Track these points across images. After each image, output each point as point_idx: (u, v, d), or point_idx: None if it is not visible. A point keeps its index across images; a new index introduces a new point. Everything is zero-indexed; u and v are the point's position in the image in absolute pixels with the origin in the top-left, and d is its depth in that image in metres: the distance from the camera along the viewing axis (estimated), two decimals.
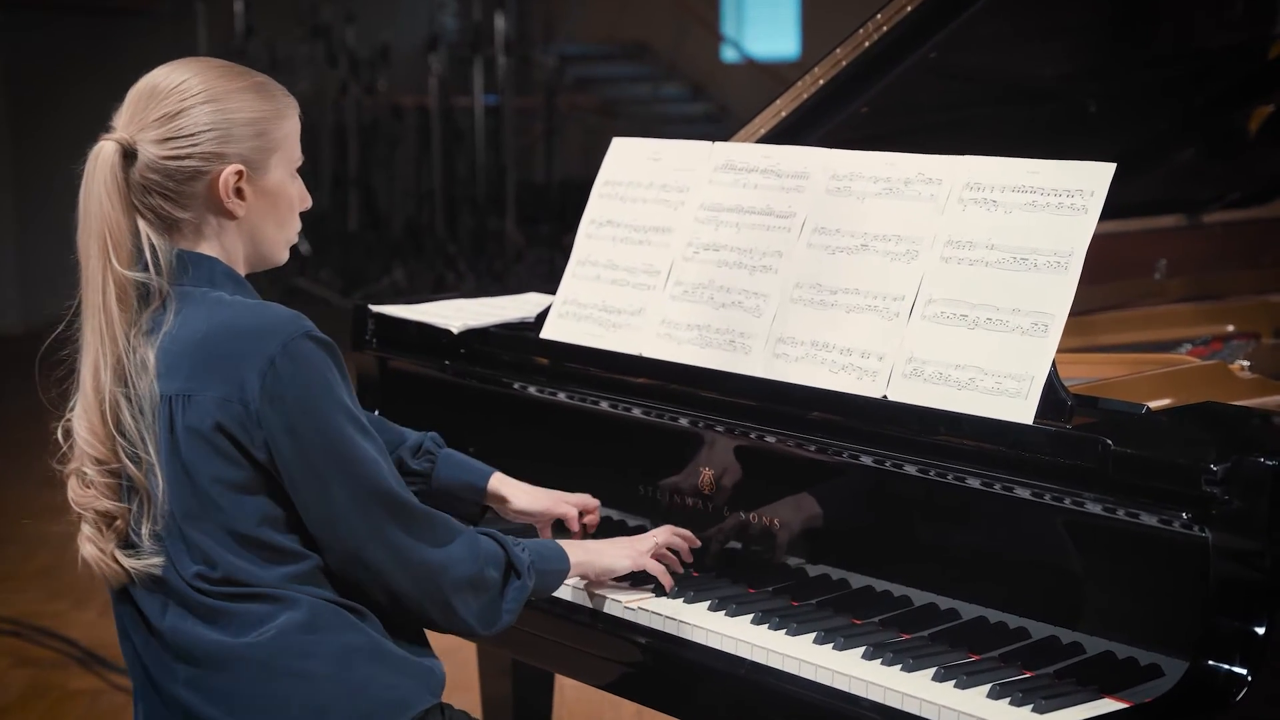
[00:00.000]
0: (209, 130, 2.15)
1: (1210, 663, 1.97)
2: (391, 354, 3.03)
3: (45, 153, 8.89)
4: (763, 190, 2.65)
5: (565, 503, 2.61)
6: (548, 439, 2.84)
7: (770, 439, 2.48)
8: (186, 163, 2.15)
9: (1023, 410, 2.24)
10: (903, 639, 2.30)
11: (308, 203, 2.29)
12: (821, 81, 2.94)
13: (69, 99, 8.84)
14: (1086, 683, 2.12)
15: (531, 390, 2.80)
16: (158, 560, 2.12)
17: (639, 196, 2.81)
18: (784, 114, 2.99)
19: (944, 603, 2.34)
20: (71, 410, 2.17)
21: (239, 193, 2.18)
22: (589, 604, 2.49)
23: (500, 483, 2.61)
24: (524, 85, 11.16)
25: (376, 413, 3.05)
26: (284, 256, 2.29)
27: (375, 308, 3.05)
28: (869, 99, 3.00)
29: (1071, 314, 3.19)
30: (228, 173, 2.17)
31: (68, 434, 2.17)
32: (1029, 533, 2.23)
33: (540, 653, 2.65)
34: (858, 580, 2.43)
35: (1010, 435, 2.22)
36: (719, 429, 2.54)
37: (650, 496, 2.65)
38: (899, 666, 2.20)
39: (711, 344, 2.62)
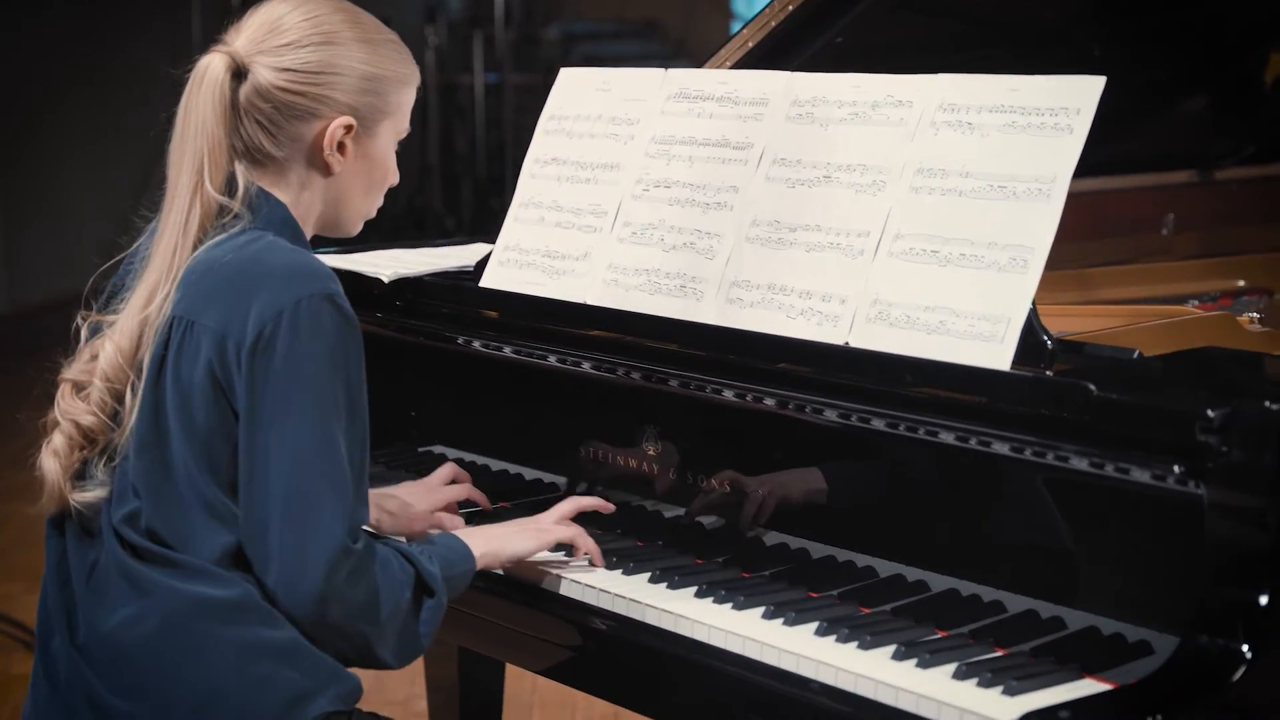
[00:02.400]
0: (334, 74, 2.03)
1: (1205, 637, 1.72)
2: None
3: (30, 131, 8.66)
4: (718, 120, 2.40)
5: (437, 509, 2.36)
6: (487, 396, 2.59)
7: (723, 393, 2.22)
8: (300, 100, 2.02)
9: (999, 355, 1.99)
10: (862, 614, 2.05)
11: (396, 178, 2.15)
12: (791, 8, 2.68)
13: (54, 77, 8.62)
14: (1066, 661, 1.86)
15: (472, 344, 2.55)
16: (101, 493, 1.96)
17: (586, 131, 2.56)
18: (751, 45, 2.73)
19: (912, 574, 2.09)
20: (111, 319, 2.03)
21: (341, 148, 2.05)
22: (514, 576, 2.24)
23: (378, 508, 2.33)
24: (527, 62, 10.90)
25: None
26: (358, 228, 2.16)
27: None
28: (844, 29, 2.74)
29: (1070, 268, 2.99)
30: (337, 124, 2.04)
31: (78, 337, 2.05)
32: (1006, 493, 1.98)
33: (466, 633, 2.40)
34: (819, 550, 2.18)
35: (984, 383, 1.96)
36: (668, 383, 2.29)
37: (594, 458, 2.40)
38: (854, 644, 1.95)
39: (661, 290, 2.37)
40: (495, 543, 2.17)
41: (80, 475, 2.00)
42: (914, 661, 1.89)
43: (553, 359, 2.43)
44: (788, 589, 2.14)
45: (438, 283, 2.63)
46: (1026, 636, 1.93)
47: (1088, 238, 3.34)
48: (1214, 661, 1.70)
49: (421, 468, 2.59)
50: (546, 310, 2.46)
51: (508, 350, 2.50)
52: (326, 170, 2.06)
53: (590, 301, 2.43)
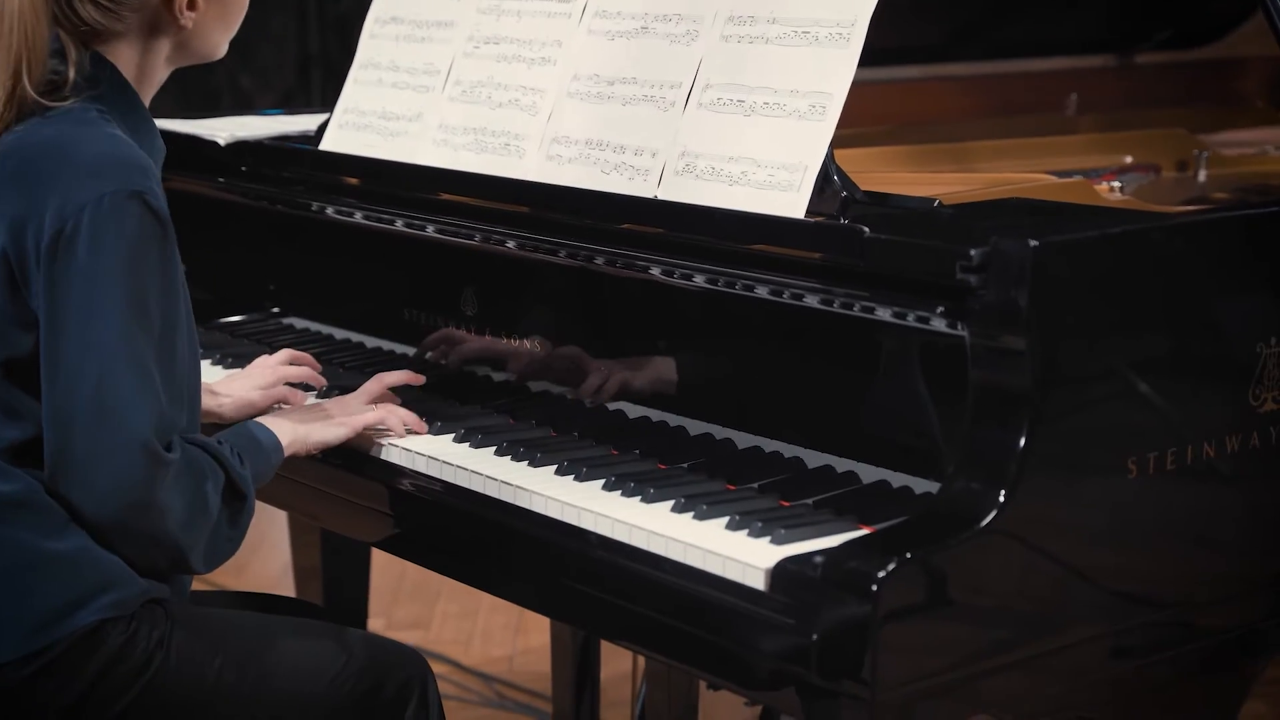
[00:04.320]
0: None
1: (962, 481, 1.67)
2: (166, 172, 2.71)
3: None
4: None
5: (270, 387, 2.25)
6: (327, 261, 2.55)
7: (539, 249, 2.17)
8: None
9: (794, 203, 1.93)
10: (658, 470, 2.00)
11: None
12: None
13: None
14: (845, 513, 1.82)
15: (311, 207, 2.50)
16: None
17: None
18: None
19: (720, 433, 2.05)
20: None
21: (192, 4, 1.93)
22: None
23: (209, 394, 2.22)
24: None
25: None
26: (223, 52, 2.03)
27: None
28: None
29: (948, 140, 2.93)
30: None
31: None
32: (798, 345, 1.94)
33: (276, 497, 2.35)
34: (635, 412, 2.14)
35: (766, 230, 1.91)
36: (488, 240, 2.24)
37: (414, 321, 2.36)
38: (638, 498, 1.90)
39: (487, 149, 2.31)
40: (302, 429, 2.09)
41: None
42: (691, 514, 1.85)
43: (382, 221, 2.38)
44: (593, 447, 2.09)
45: (275, 146, 2.58)
46: (814, 491, 1.88)
47: (985, 115, 3.28)
48: (968, 506, 1.65)
49: (275, 340, 2.55)
50: (374, 171, 2.41)
51: (335, 213, 2.45)
52: (178, 30, 1.95)
53: (420, 162, 2.38)
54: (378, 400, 2.18)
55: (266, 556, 4.22)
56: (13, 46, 1.85)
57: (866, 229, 1.78)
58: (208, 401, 2.22)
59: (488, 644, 3.82)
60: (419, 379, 2.23)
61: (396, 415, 2.15)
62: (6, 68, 1.85)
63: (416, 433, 2.15)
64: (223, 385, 2.28)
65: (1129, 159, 3.11)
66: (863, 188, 1.95)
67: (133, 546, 1.85)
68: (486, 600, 3.98)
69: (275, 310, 2.68)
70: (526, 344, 2.23)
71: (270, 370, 2.29)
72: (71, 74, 1.88)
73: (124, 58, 1.95)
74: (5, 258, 1.82)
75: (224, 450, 1.93)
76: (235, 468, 1.92)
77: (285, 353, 2.33)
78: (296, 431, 2.08)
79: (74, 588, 1.84)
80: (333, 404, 2.16)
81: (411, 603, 4.01)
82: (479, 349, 2.29)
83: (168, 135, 2.64)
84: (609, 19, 2.22)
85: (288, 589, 4.00)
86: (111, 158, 1.84)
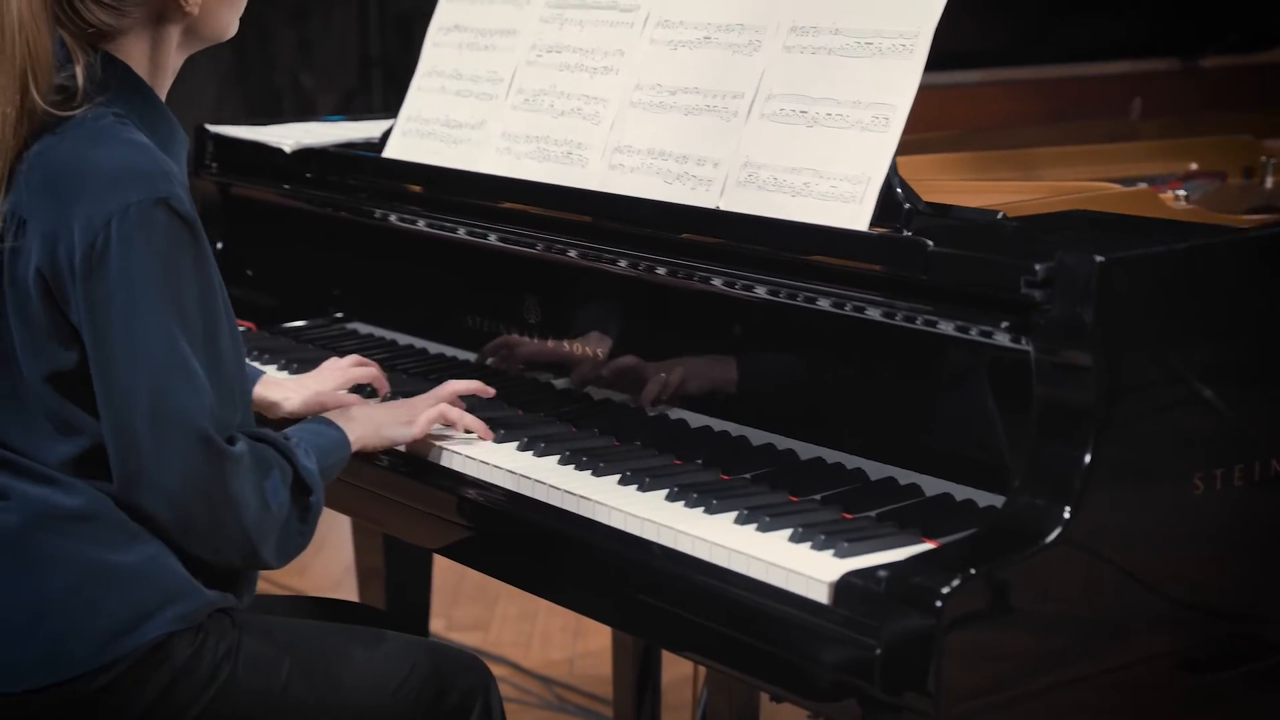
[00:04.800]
0: None
1: (1027, 497, 1.67)
2: (232, 179, 2.76)
3: None
4: None
5: (338, 389, 2.27)
6: (390, 267, 2.56)
7: (601, 259, 2.18)
8: None
9: (857, 215, 1.93)
10: (721, 480, 2.00)
11: None
12: None
13: None
14: (909, 526, 1.81)
15: (375, 214, 2.52)
16: None
17: None
18: None
19: (782, 443, 2.05)
20: None
21: None
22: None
23: (267, 387, 2.27)
24: None
25: (220, 245, 2.79)
26: (233, 31, 1.99)
27: (213, 128, 2.76)
28: None
29: (1009, 146, 2.91)
30: None
31: None
32: (867, 358, 1.94)
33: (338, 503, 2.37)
34: (697, 421, 2.14)
35: (833, 242, 1.91)
36: (550, 249, 2.24)
37: (477, 328, 2.37)
38: (701, 509, 1.91)
39: (549, 157, 2.32)
40: (370, 426, 2.11)
41: None
42: (754, 526, 1.85)
43: (444, 229, 2.39)
44: (656, 456, 2.10)
45: (339, 153, 2.60)
46: (877, 503, 1.88)
47: (1046, 120, 3.26)
48: (1033, 522, 1.64)
49: (338, 345, 2.57)
50: (436, 179, 2.42)
51: (399, 220, 2.46)
52: (185, 16, 1.91)
53: (483, 170, 2.39)
54: (446, 401, 2.18)
55: (328, 558, 4.25)
56: (16, 58, 1.81)
57: (930, 242, 1.78)
58: (274, 395, 2.25)
59: (547, 646, 3.83)
60: (489, 391, 2.23)
61: (465, 416, 2.16)
62: (13, 80, 1.81)
63: (481, 438, 2.16)
64: (292, 382, 2.30)
65: (1194, 165, 3.09)
66: (923, 196, 1.95)
67: (207, 545, 1.86)
68: (545, 603, 3.95)
69: (339, 316, 2.70)
70: (588, 352, 2.24)
71: (340, 372, 2.31)
72: (81, 80, 1.84)
73: (134, 54, 1.91)
74: (40, 275, 1.81)
75: (290, 445, 1.94)
76: (302, 462, 1.93)
77: (354, 357, 2.35)
78: (364, 428, 2.09)
79: (141, 601, 1.85)
80: (400, 404, 2.17)
81: (471, 604, 4.03)
82: (540, 356, 2.30)
83: (234, 143, 2.70)
84: (671, 28, 2.23)
85: (350, 590, 4.04)
86: (131, 167, 1.81)
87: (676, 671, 2.84)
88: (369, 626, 2.13)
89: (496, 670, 2.15)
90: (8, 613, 1.84)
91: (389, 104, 10.27)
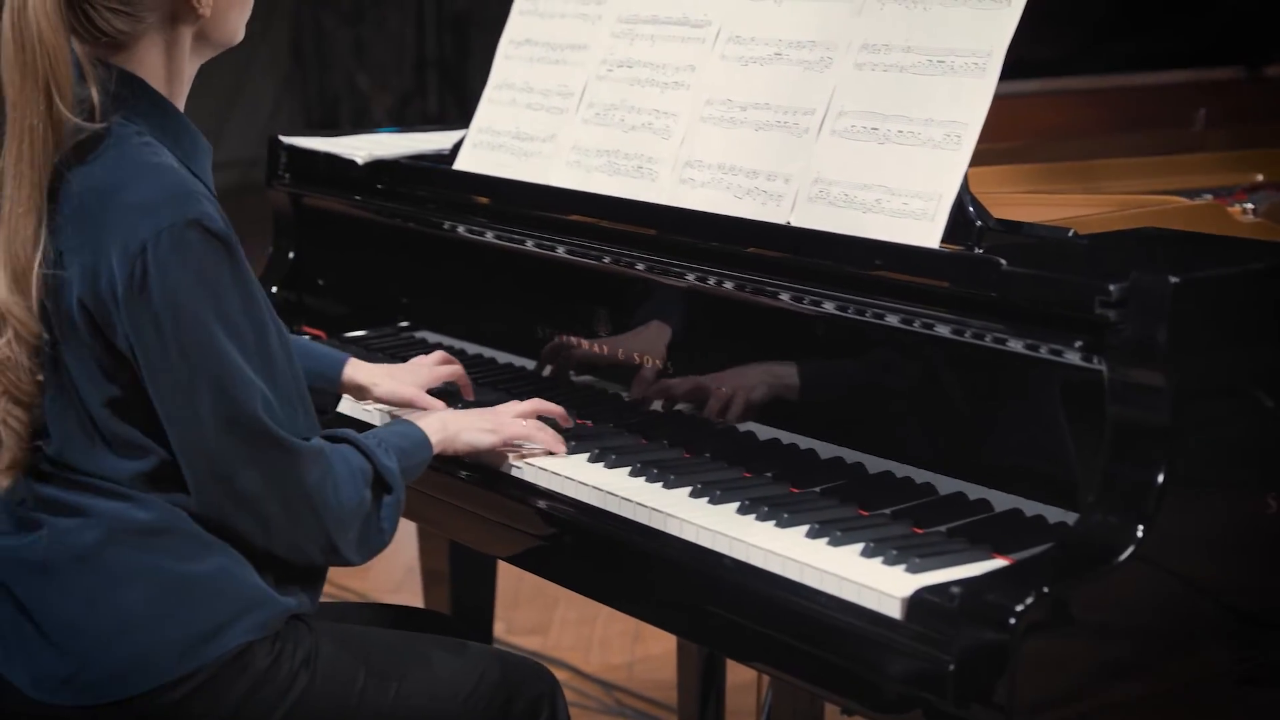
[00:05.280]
0: None
1: (1100, 515, 1.68)
2: (305, 189, 2.79)
3: None
4: None
5: (425, 386, 2.33)
6: (460, 278, 2.59)
7: (669, 272, 2.20)
8: None
9: (928, 233, 1.95)
10: (791, 494, 2.03)
11: None
12: None
13: None
14: (979, 541, 1.83)
15: (444, 226, 2.55)
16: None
17: (558, 11, 2.53)
18: None
19: (851, 456, 2.07)
20: None
21: None
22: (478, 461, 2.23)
23: (356, 370, 2.33)
24: None
25: (291, 255, 2.83)
26: (242, 35, 2.00)
27: (287, 139, 2.80)
28: None
29: (1072, 156, 2.92)
30: None
31: None
32: (936, 374, 1.95)
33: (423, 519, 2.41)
34: (766, 434, 2.16)
35: (905, 260, 1.93)
36: (621, 263, 2.27)
37: (547, 339, 2.40)
38: (772, 522, 1.93)
39: (620, 171, 2.35)
40: (452, 429, 2.14)
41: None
42: (826, 540, 1.87)
43: (514, 241, 2.42)
44: (726, 469, 2.12)
45: (411, 165, 2.63)
46: (948, 518, 1.90)
47: (1107, 133, 3.26)
48: (1106, 540, 1.66)
49: (407, 353, 2.60)
50: (509, 192, 2.45)
51: (467, 231, 2.49)
52: (197, 19, 1.91)
53: (553, 183, 2.42)
54: (528, 417, 2.21)
55: (390, 559, 4.27)
56: (39, 69, 1.81)
57: (1004, 261, 1.79)
58: (363, 378, 2.32)
59: (606, 651, 3.86)
60: (569, 421, 2.25)
61: (546, 432, 2.18)
62: (38, 91, 1.82)
63: (554, 453, 2.19)
64: (381, 370, 2.35)
65: (1260, 176, 3.09)
66: (988, 208, 1.96)
67: (288, 543, 1.90)
68: (605, 607, 4.01)
69: (404, 324, 2.73)
70: (657, 364, 2.26)
71: (427, 370, 2.37)
72: (96, 95, 1.84)
73: (149, 66, 1.91)
74: (84, 306, 1.84)
75: (370, 443, 1.98)
76: (382, 460, 1.97)
77: (441, 354, 2.40)
78: (446, 430, 2.13)
79: (218, 610, 1.89)
80: (484, 411, 2.20)
81: (531, 608, 4.06)
82: (608, 367, 2.32)
83: (307, 154, 2.73)
84: (743, 44, 2.25)
85: (411, 592, 4.09)
86: (159, 191, 1.83)
87: (740, 677, 2.86)
88: (438, 635, 2.17)
89: (557, 674, 2.18)
90: (89, 627, 1.88)
91: (444, 106, 10.32)
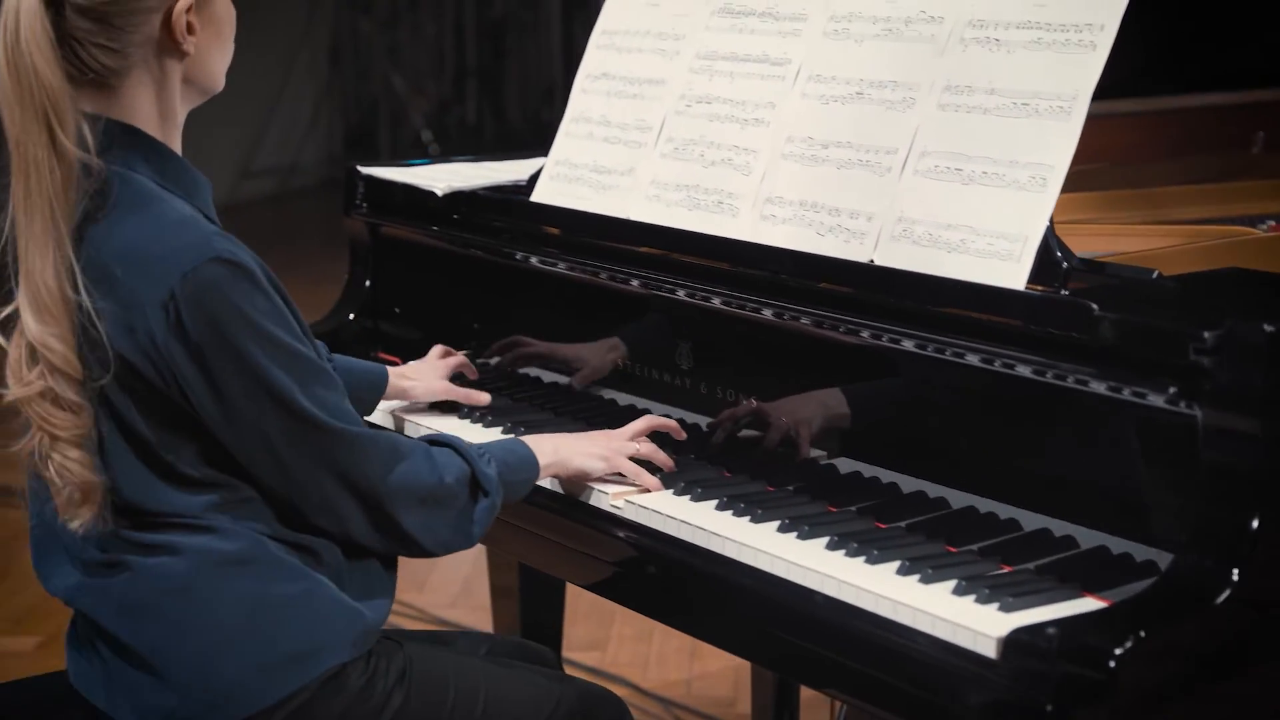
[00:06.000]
0: None
1: (1195, 558, 1.71)
2: (382, 219, 2.84)
3: None
4: (759, 35, 2.40)
5: (447, 377, 2.53)
6: (536, 309, 2.63)
7: (752, 309, 2.24)
8: (132, 2, 1.89)
9: (1014, 274, 1.98)
10: (877, 529, 2.06)
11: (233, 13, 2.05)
12: None
13: None
14: (1069, 579, 1.86)
15: (521, 257, 2.59)
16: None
17: (635, 46, 2.57)
18: None
19: (933, 490, 2.10)
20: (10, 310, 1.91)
21: (189, 28, 1.94)
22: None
23: (399, 377, 2.49)
24: None
25: (368, 283, 2.87)
26: (222, 83, 2.05)
27: (365, 169, 2.85)
28: None
29: (1137, 187, 2.94)
30: (181, 7, 1.91)
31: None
32: (1021, 413, 1.98)
33: (498, 540, 2.44)
34: (846, 466, 2.20)
35: (995, 301, 1.96)
36: (701, 298, 2.31)
37: (629, 371, 2.44)
38: (862, 559, 1.96)
39: (699, 206, 2.38)
40: (564, 453, 2.20)
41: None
42: (917, 577, 1.90)
43: (595, 273, 2.46)
44: (810, 503, 2.16)
45: (490, 197, 2.67)
46: (1035, 555, 1.93)
47: (1164, 156, 3.27)
48: (1201, 583, 1.69)
49: (480, 381, 2.65)
50: (588, 224, 2.49)
51: (551, 264, 2.53)
52: (181, 55, 1.94)
53: (632, 216, 2.46)
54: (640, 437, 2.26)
55: (445, 573, 4.35)
56: (36, 101, 1.84)
57: (1095, 306, 1.82)
58: (398, 382, 2.48)
59: (664, 667, 3.89)
60: (682, 433, 2.31)
61: (658, 455, 2.24)
62: (37, 122, 1.84)
63: (647, 489, 2.22)
64: (409, 370, 2.50)
65: None
66: (1060, 237, 1.99)
67: (367, 533, 1.97)
68: (660, 623, 4.05)
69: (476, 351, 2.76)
70: (738, 397, 2.29)
71: (442, 364, 2.55)
72: (89, 138, 1.86)
73: (141, 111, 1.95)
74: (124, 359, 1.87)
75: (472, 450, 2.06)
76: (481, 466, 2.05)
77: (440, 347, 2.60)
78: (558, 454, 2.19)
79: (309, 632, 1.95)
80: (596, 436, 2.25)
81: (587, 623, 4.09)
82: (688, 400, 2.36)
83: (384, 184, 2.78)
84: (824, 83, 2.29)
85: (465, 608, 4.14)
86: (177, 239, 1.88)
87: (810, 691, 2.89)
88: (514, 660, 2.22)
89: (616, 691, 2.24)
90: (185, 657, 1.93)
91: (481, 115, 10.33)
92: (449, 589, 4.30)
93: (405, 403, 2.52)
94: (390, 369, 2.50)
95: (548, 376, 2.57)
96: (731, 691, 3.76)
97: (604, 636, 4.05)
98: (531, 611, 3.07)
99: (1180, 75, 3.36)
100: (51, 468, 1.88)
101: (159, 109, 1.97)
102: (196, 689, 1.93)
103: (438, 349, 2.60)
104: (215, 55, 2.01)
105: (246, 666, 1.92)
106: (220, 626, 1.92)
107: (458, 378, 2.57)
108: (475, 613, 4.17)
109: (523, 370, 2.62)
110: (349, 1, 10.12)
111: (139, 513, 1.93)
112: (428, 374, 2.52)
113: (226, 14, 2.01)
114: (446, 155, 9.69)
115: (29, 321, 1.86)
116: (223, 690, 1.92)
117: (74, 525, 1.90)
